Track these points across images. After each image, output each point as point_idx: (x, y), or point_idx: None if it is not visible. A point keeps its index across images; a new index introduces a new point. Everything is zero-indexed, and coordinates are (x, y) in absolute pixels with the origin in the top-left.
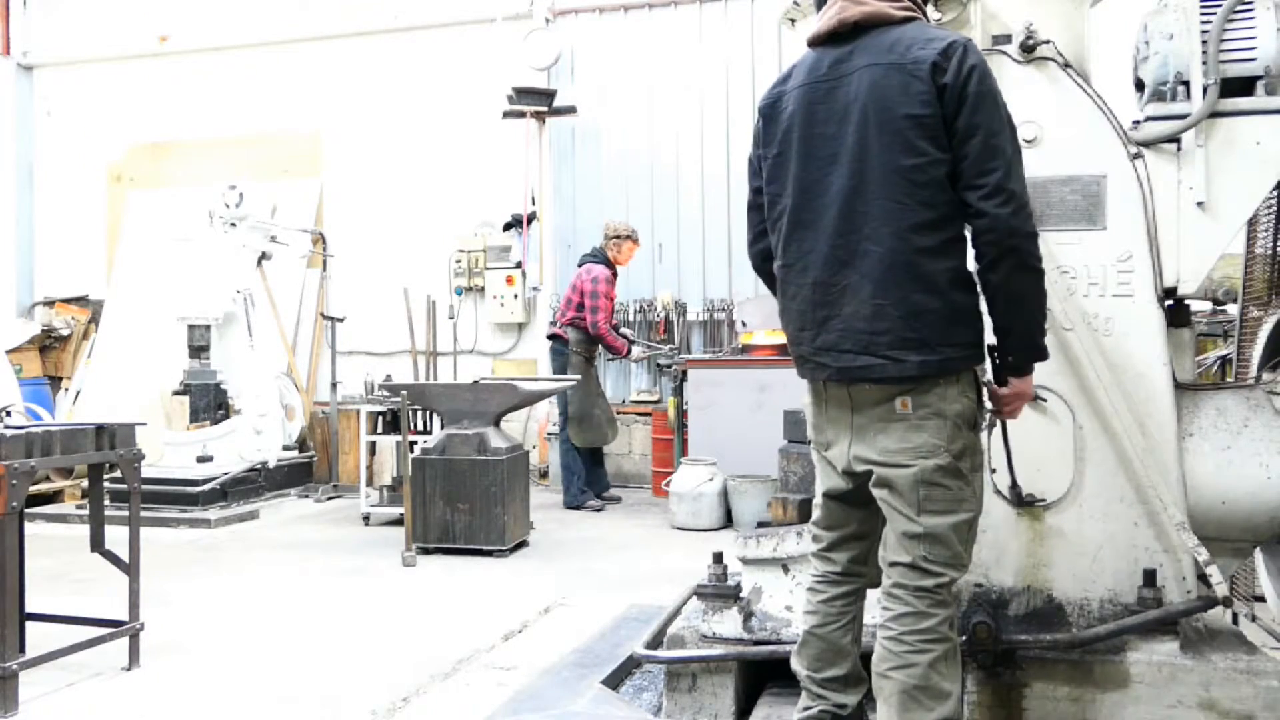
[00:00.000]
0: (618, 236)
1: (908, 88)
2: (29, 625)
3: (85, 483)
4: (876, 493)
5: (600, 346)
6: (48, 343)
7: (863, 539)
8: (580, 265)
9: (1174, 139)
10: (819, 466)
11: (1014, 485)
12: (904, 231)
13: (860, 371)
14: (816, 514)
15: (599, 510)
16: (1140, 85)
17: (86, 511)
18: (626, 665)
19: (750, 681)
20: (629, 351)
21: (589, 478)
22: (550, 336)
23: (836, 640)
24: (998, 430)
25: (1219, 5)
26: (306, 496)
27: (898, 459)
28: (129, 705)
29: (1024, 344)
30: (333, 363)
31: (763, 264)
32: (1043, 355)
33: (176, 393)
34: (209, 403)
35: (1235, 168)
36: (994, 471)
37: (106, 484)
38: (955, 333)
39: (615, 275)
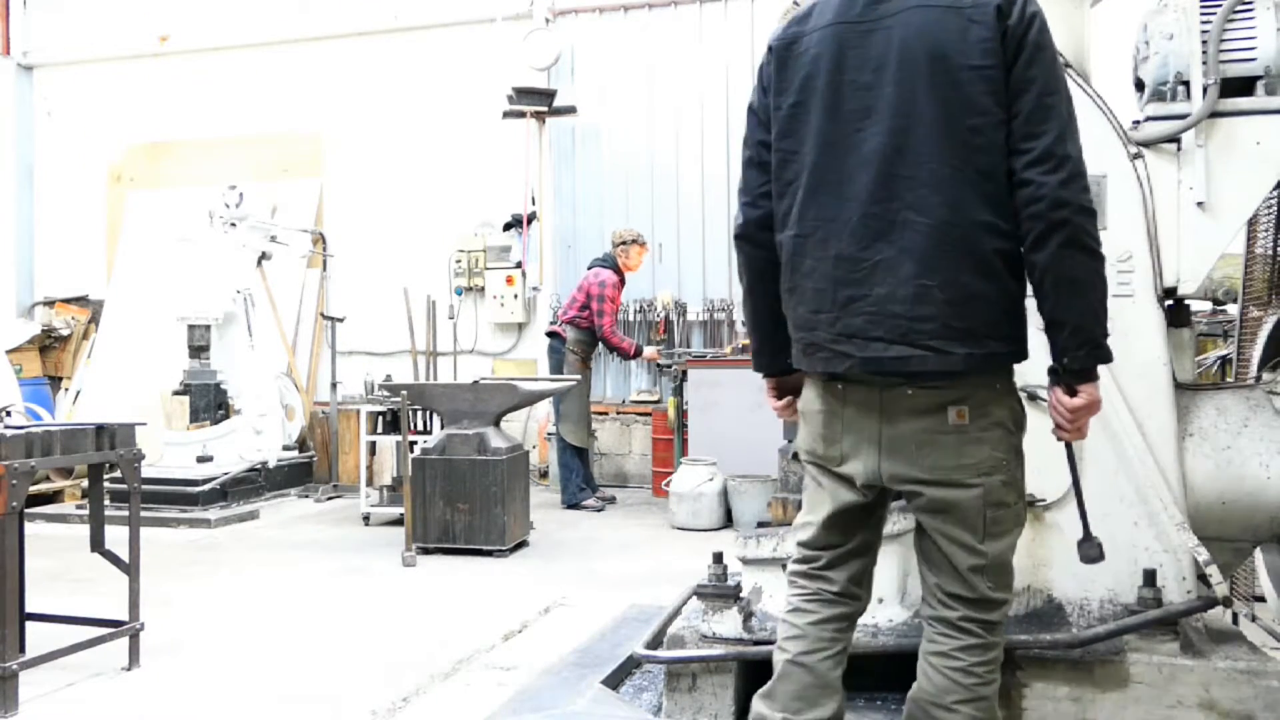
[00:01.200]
0: (624, 242)
1: (967, 34)
2: (29, 625)
3: (85, 483)
4: (927, 520)
5: (602, 348)
6: (48, 343)
7: (865, 555)
8: (590, 268)
9: (1174, 139)
10: (821, 484)
11: (1087, 536)
12: (958, 202)
13: (893, 364)
14: (809, 533)
15: (599, 510)
16: (1140, 85)
17: (86, 511)
18: (626, 665)
19: (750, 681)
20: (637, 352)
21: (588, 474)
22: (549, 334)
23: (825, 673)
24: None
25: (1219, 5)
26: (306, 496)
27: (956, 477)
28: (129, 705)
29: (1081, 340)
30: (333, 363)
31: (757, 232)
32: (1106, 355)
33: (176, 393)
34: (209, 403)
35: (1235, 168)
36: None
37: (106, 484)
38: (1005, 324)
39: (623, 281)
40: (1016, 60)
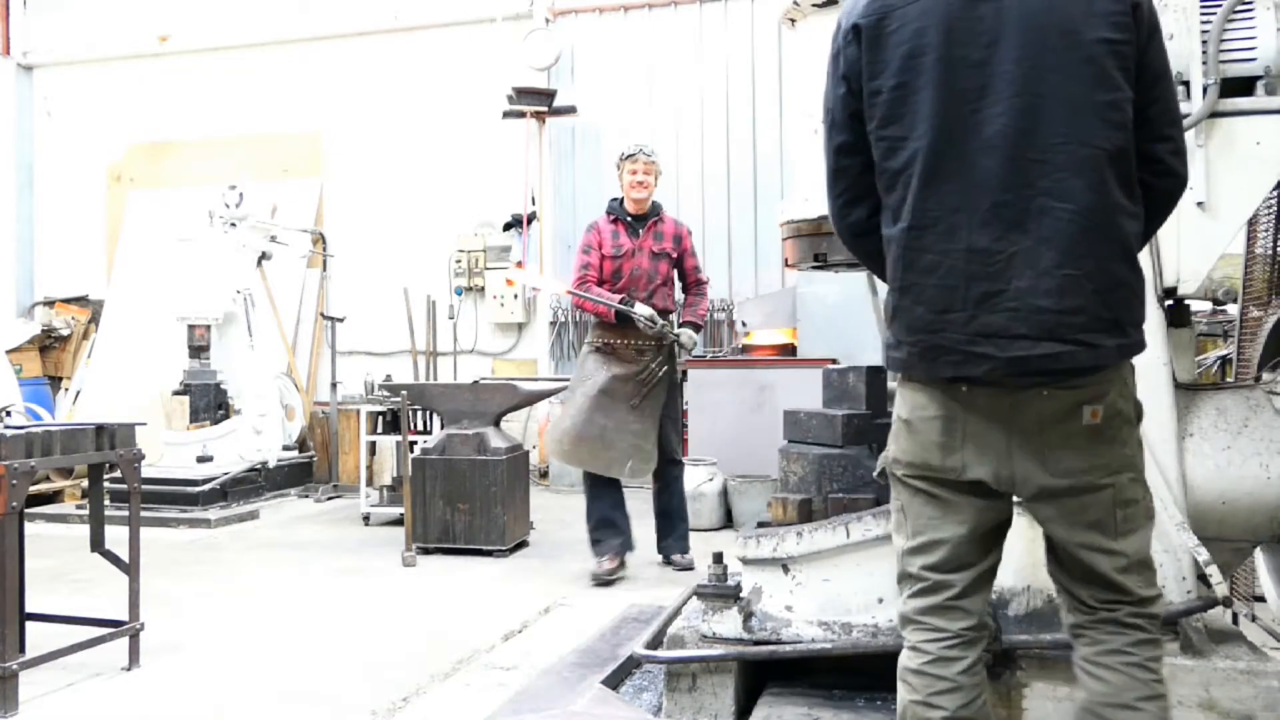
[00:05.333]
0: (617, 166)
1: (1093, 5)
2: (29, 625)
3: (85, 483)
4: (1057, 529)
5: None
6: (48, 343)
7: (993, 575)
8: None
9: None
10: (940, 498)
11: None
12: (1100, 184)
13: (1041, 362)
14: (937, 555)
15: (606, 581)
16: None
17: (86, 511)
18: (626, 665)
19: (750, 681)
20: (621, 317)
21: (608, 518)
22: None
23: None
24: None
25: (1219, 5)
26: (306, 496)
27: (1088, 479)
28: (129, 705)
29: None
30: (333, 363)
31: (855, 240)
32: None
33: (176, 393)
34: (209, 403)
35: (1235, 168)
36: None
37: (106, 484)
38: (1139, 311)
39: (624, 222)
40: (1151, 39)
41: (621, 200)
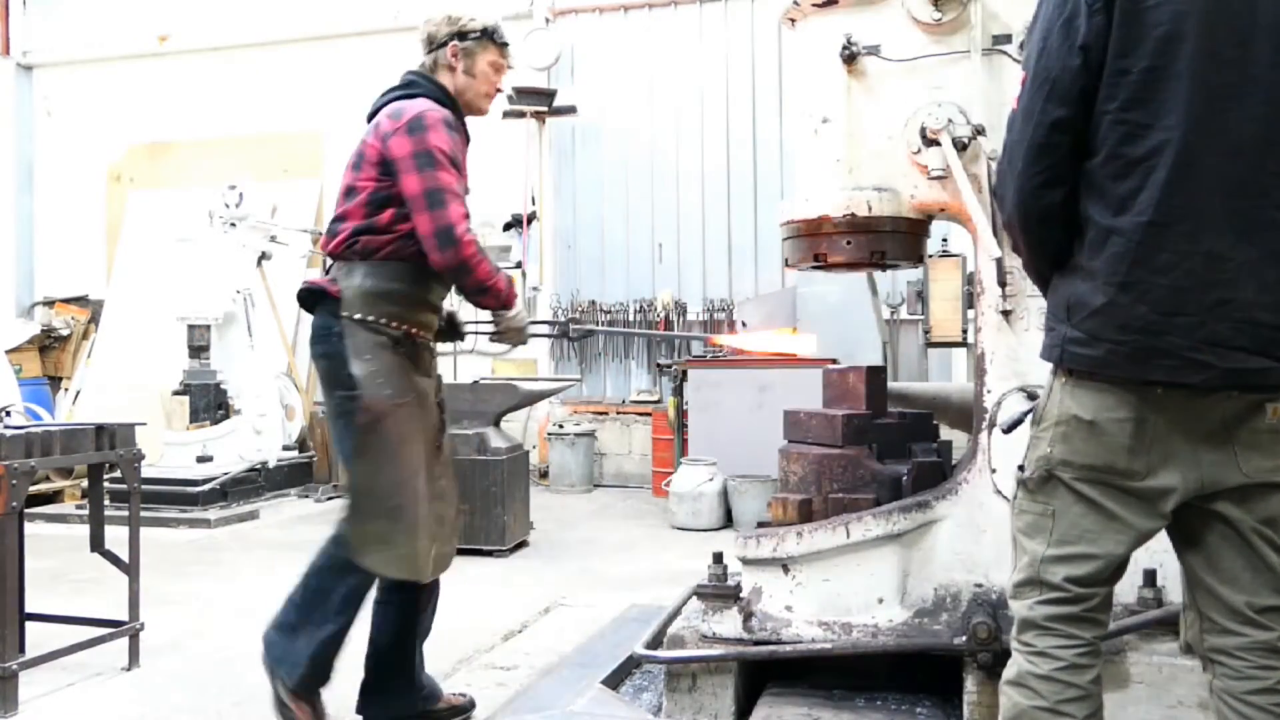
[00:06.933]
0: (457, 36)
1: None
2: (29, 625)
3: (85, 483)
4: (1242, 519)
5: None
6: (48, 343)
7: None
8: (377, 110)
9: None
10: (1096, 511)
11: None
12: None
13: (1252, 376)
14: (1088, 568)
15: None
16: None
17: (86, 511)
18: (626, 665)
19: (750, 681)
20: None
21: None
22: (304, 295)
23: None
24: (997, 432)
25: None
26: (306, 496)
27: (1274, 479)
28: (129, 705)
29: None
30: None
31: (1041, 225)
32: None
33: (176, 393)
34: (209, 403)
35: None
36: (994, 472)
37: (106, 484)
38: None
39: (463, 133)
40: None
41: (451, 95)
